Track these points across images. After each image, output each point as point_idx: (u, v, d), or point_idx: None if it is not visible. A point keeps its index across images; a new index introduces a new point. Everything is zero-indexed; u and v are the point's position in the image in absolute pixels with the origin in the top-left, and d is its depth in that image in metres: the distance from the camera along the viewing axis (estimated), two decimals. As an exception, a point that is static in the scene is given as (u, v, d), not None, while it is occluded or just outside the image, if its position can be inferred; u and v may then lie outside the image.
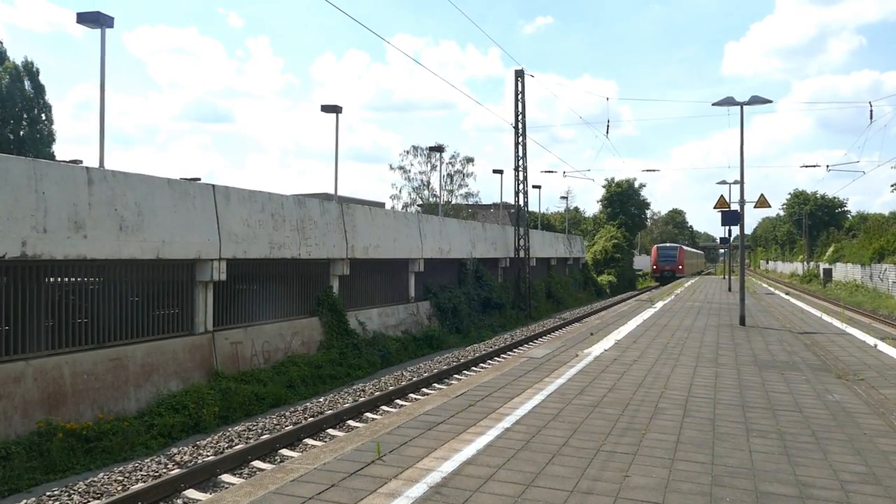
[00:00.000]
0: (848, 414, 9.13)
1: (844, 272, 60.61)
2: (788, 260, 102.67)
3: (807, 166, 65.66)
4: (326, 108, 22.14)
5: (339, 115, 22.13)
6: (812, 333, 18.65)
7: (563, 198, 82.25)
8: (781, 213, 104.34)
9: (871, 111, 31.68)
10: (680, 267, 71.08)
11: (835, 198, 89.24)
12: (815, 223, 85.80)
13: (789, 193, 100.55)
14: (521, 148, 34.97)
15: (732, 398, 9.96)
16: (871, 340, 17.08)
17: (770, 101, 19.73)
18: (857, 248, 59.43)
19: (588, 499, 5.79)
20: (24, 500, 9.09)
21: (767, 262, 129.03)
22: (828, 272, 65.78)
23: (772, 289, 49.29)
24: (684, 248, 79.63)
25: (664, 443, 7.51)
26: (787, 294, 41.06)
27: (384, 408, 14.39)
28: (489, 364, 19.63)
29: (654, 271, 71.70)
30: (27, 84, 43.93)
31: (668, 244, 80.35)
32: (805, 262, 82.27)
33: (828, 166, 40.33)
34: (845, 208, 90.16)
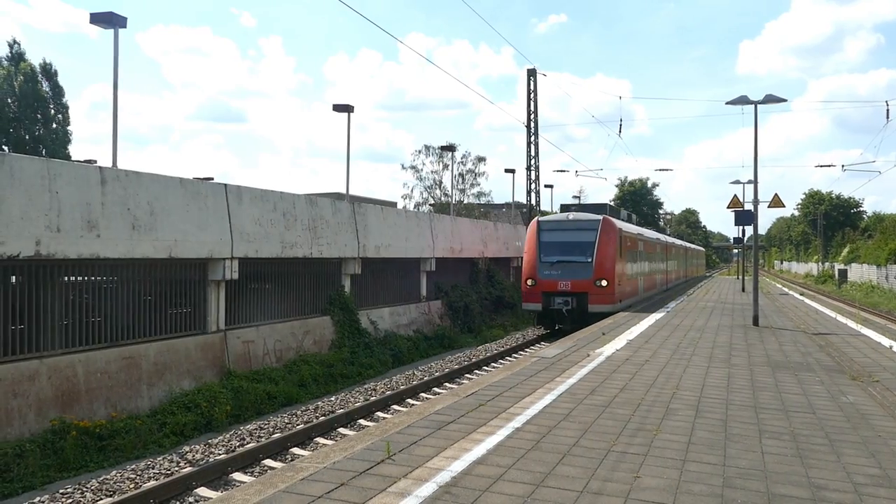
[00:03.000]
0: (862, 416, 9.04)
1: (860, 273, 60.12)
2: (803, 260, 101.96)
3: (822, 166, 64.82)
4: (338, 108, 22.19)
5: (352, 114, 22.18)
6: (826, 334, 18.48)
7: (575, 197, 73.81)
8: (796, 213, 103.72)
9: (888, 110, 31.41)
10: (602, 283, 24.08)
11: (850, 198, 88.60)
12: (830, 223, 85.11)
13: (804, 193, 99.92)
14: (533, 147, 34.91)
15: (745, 399, 9.88)
16: (886, 342, 16.90)
17: (785, 100, 19.56)
18: (872, 248, 58.96)
19: (598, 499, 5.76)
20: (38, 498, 9.16)
21: (782, 263, 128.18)
22: (843, 273, 65.30)
23: (786, 289, 48.92)
24: (619, 224, 26.75)
25: (675, 444, 7.45)
26: (801, 294, 40.73)
27: (395, 407, 14.40)
28: (500, 363, 19.61)
29: (529, 295, 25.00)
30: (45, 85, 44.40)
31: (568, 214, 26.85)
32: (820, 263, 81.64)
33: (843, 166, 40.10)
34: (861, 208, 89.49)
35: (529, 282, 24.61)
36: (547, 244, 24.81)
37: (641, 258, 30.62)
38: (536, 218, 26.39)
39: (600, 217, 24.98)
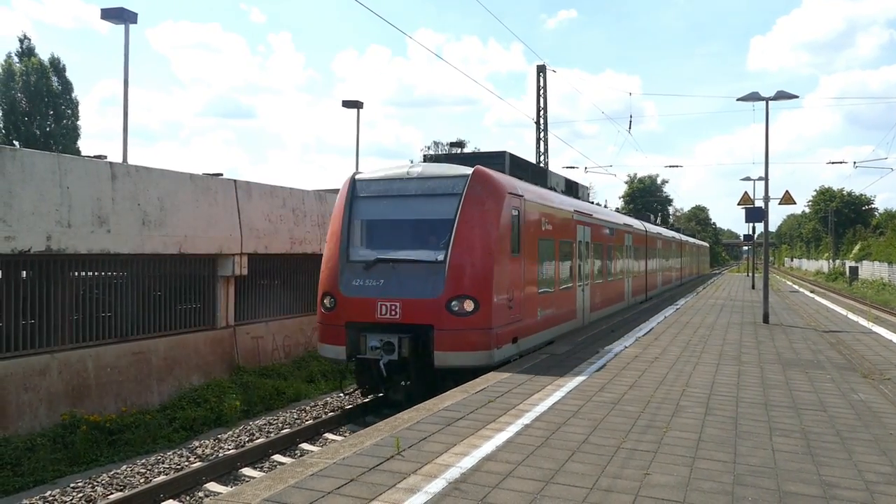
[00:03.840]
0: (874, 414, 8.97)
1: (871, 270, 59.71)
2: (814, 258, 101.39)
3: (833, 163, 64.00)
4: (348, 104, 22.19)
5: (361, 110, 22.18)
6: (837, 332, 18.37)
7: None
8: (807, 210, 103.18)
9: (900, 106, 31.04)
10: (466, 305, 11.14)
11: (862, 195, 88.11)
12: (842, 220, 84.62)
13: (815, 190, 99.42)
14: (542, 143, 34.83)
15: (755, 396, 9.83)
16: (898, 339, 16.78)
17: (796, 97, 19.41)
18: (884, 245, 58.60)
19: (608, 496, 5.73)
20: (49, 492, 9.21)
21: (792, 260, 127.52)
22: (854, 270, 64.84)
23: (796, 286, 48.66)
24: (512, 185, 12.62)
25: (685, 441, 7.42)
26: (811, 292, 40.51)
27: (404, 403, 14.40)
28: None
29: (326, 328, 12.05)
30: (54, 80, 44.58)
31: (409, 168, 12.62)
32: (831, 260, 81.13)
33: (855, 163, 39.82)
34: (872, 205, 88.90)
35: (327, 301, 12.21)
36: (364, 225, 12.65)
37: (585, 254, 18.20)
38: (353, 177, 13.05)
39: (469, 170, 12.16)
